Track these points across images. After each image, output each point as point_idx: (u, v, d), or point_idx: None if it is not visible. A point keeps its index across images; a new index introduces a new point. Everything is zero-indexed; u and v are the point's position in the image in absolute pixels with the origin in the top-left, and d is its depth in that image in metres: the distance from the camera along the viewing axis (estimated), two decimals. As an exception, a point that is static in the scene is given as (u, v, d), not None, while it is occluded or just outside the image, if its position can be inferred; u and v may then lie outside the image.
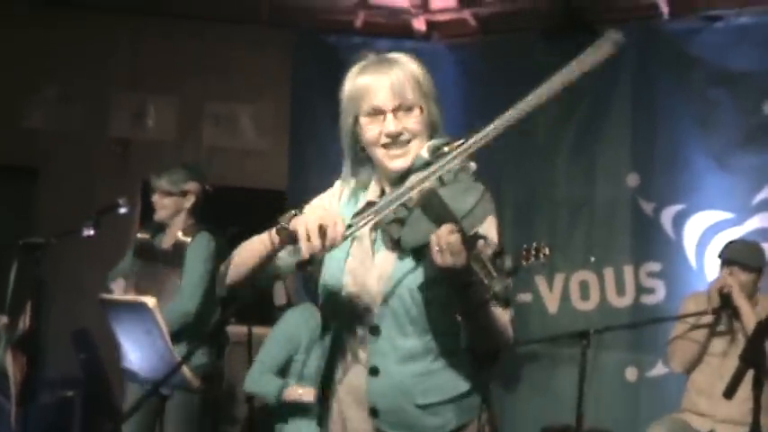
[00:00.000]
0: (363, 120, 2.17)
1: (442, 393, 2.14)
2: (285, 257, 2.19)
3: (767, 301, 4.57)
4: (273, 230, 2.11)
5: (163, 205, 4.51)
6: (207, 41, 6.37)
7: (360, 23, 6.31)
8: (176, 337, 4.10)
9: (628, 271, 5.61)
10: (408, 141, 2.16)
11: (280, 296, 4.63)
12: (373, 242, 2.18)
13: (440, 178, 2.05)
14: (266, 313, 4.81)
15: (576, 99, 5.79)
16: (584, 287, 5.71)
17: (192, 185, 4.52)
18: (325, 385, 2.24)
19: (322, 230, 1.98)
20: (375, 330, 2.15)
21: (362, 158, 2.24)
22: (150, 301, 4.22)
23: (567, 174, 5.85)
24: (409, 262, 2.10)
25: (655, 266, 5.57)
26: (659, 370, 5.41)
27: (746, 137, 5.39)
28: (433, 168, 2.03)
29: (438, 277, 2.00)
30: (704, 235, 5.43)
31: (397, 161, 2.16)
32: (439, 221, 1.92)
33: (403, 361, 2.14)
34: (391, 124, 2.14)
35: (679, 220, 5.53)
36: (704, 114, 5.49)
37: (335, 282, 2.20)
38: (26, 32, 6.24)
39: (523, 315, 5.67)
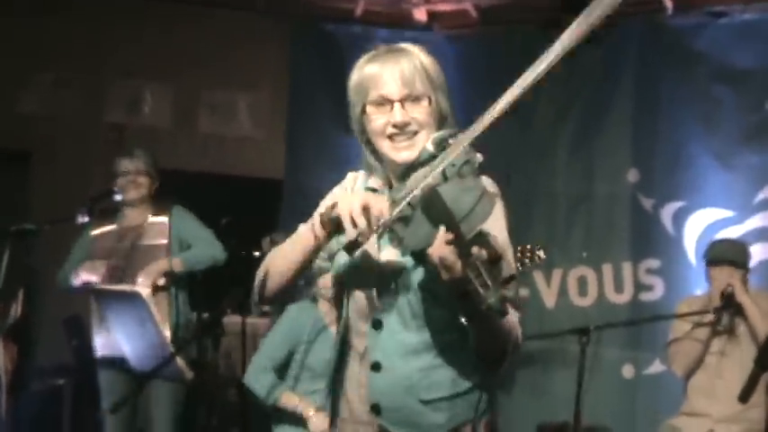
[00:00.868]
0: (370, 108, 2.13)
1: (446, 389, 2.10)
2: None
3: (764, 299, 4.53)
4: (316, 222, 2.10)
5: (138, 184, 4.52)
6: (204, 28, 6.32)
7: (360, 12, 6.26)
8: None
9: (626, 267, 5.58)
10: (415, 133, 2.11)
11: None
12: (379, 238, 2.14)
13: (443, 173, 1.99)
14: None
15: (576, 93, 5.75)
16: (582, 283, 5.68)
17: (156, 168, 4.63)
18: (334, 381, 2.22)
19: (366, 211, 1.97)
20: (377, 324, 2.12)
21: (372, 150, 2.19)
22: (144, 291, 4.21)
23: (567, 168, 5.82)
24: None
25: (654, 263, 5.55)
26: (656, 368, 5.39)
27: (749, 135, 5.39)
28: (437, 162, 1.98)
29: (438, 278, 1.96)
30: (704, 233, 5.41)
31: (403, 153, 2.11)
32: (438, 224, 1.88)
33: (406, 355, 2.10)
34: (398, 114, 2.10)
35: (679, 217, 5.50)
36: (707, 111, 5.47)
37: (340, 275, 2.19)
38: (22, 17, 6.17)
39: (520, 310, 5.63)
